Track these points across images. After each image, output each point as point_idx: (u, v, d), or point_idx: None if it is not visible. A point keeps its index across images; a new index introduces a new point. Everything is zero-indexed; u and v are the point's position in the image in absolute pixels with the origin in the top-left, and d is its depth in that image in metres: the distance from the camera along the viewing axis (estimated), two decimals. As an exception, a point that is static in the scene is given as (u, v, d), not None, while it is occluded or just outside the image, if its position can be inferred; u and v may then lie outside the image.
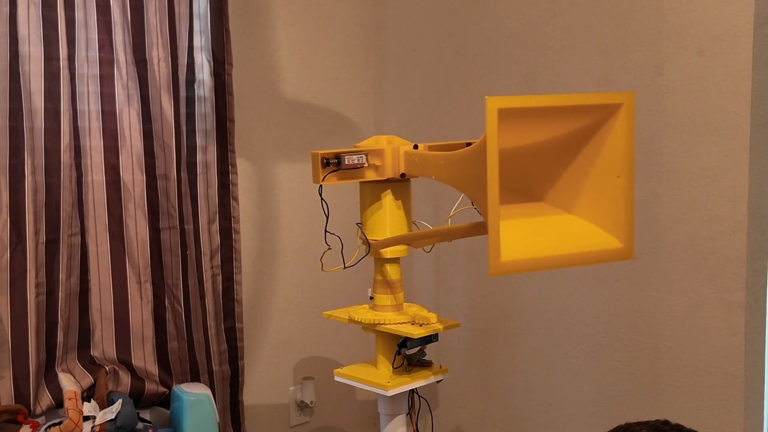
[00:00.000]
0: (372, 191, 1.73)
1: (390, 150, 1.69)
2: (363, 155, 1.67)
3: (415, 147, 1.70)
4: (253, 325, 2.38)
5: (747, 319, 1.83)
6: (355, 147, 1.72)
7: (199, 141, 2.14)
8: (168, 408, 2.08)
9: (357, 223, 1.75)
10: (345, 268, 1.78)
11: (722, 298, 1.86)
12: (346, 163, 1.65)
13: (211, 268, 2.18)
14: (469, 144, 1.78)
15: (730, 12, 1.79)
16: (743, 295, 1.83)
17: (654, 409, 2.00)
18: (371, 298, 1.79)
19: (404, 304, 1.79)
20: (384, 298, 1.76)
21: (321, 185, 1.68)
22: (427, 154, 1.65)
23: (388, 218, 1.72)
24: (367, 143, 1.73)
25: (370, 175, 1.69)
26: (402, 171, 1.69)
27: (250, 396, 2.36)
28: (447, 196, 2.42)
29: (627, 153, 1.35)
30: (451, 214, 1.71)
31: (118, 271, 2.07)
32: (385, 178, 1.70)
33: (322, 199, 1.72)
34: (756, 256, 1.83)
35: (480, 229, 1.37)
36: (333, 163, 1.65)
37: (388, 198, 1.72)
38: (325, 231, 1.76)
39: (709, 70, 1.84)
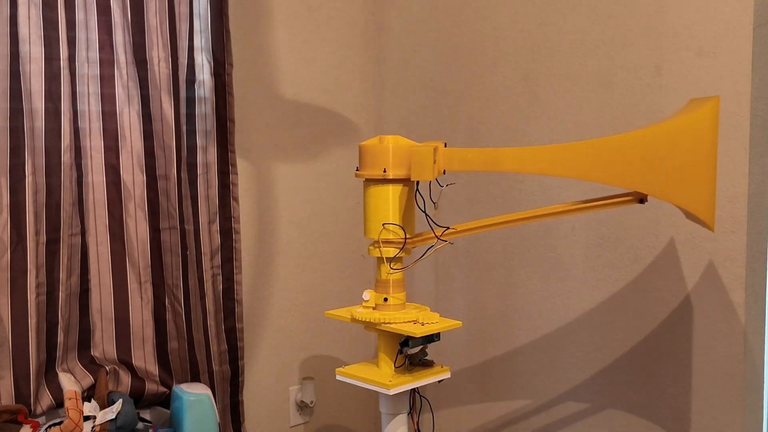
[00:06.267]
0: (409, 188, 1.74)
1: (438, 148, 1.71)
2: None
3: (445, 145, 1.73)
4: (253, 325, 2.38)
5: (747, 319, 1.84)
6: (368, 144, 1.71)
7: (200, 141, 2.14)
8: (168, 408, 2.08)
9: (384, 224, 1.73)
10: (403, 268, 1.78)
11: (722, 298, 1.86)
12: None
13: (212, 268, 2.18)
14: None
15: (730, 12, 1.80)
16: (743, 295, 1.83)
17: (654, 410, 2.00)
18: (385, 300, 1.78)
19: (406, 303, 1.79)
20: (382, 297, 1.76)
21: (418, 182, 1.69)
22: (504, 150, 1.75)
23: (415, 213, 1.76)
24: (372, 142, 1.74)
25: None
26: (443, 167, 1.71)
27: (250, 396, 2.36)
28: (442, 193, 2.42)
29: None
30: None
31: (118, 271, 2.07)
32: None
33: (418, 192, 1.72)
34: (756, 256, 1.84)
35: (632, 199, 1.68)
36: None
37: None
38: (431, 225, 1.74)
39: (709, 70, 1.84)
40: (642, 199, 1.67)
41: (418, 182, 1.70)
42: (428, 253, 1.75)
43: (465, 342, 2.42)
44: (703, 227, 1.86)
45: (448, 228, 1.73)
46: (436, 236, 1.72)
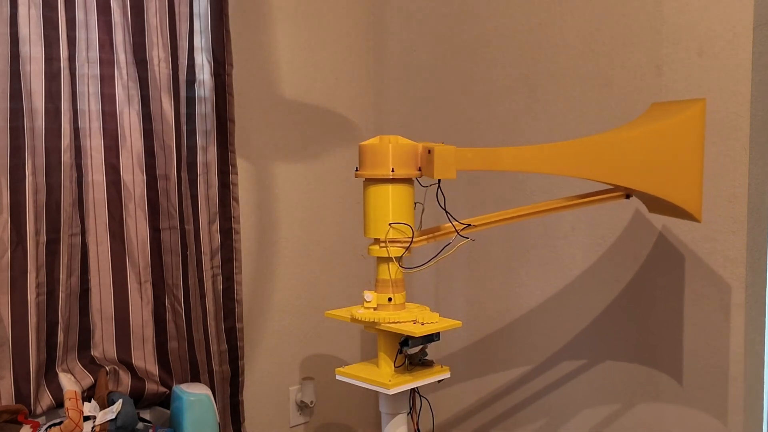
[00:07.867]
0: (409, 188, 1.74)
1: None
2: None
3: None
4: (253, 325, 2.38)
5: (747, 319, 1.84)
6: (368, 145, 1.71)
7: (200, 141, 2.15)
8: (168, 408, 2.08)
9: (390, 223, 1.73)
10: (421, 266, 1.78)
11: (722, 298, 1.86)
12: None
13: (212, 268, 2.18)
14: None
15: (730, 12, 1.80)
16: (743, 295, 1.83)
17: (654, 409, 2.01)
18: (389, 300, 1.77)
19: (406, 303, 1.79)
20: (385, 298, 1.76)
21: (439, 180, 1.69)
22: (504, 149, 1.79)
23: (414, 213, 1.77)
24: (372, 142, 1.73)
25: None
26: None
27: (250, 396, 2.36)
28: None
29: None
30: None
31: (118, 271, 2.07)
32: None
33: (439, 190, 1.72)
34: (756, 256, 1.84)
35: (620, 194, 1.79)
36: None
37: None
38: (452, 222, 1.73)
39: (709, 70, 1.84)
40: (628, 195, 1.79)
41: (439, 181, 1.70)
42: (446, 250, 1.75)
43: (465, 342, 2.42)
44: (703, 228, 1.86)
45: (469, 225, 1.73)
46: (457, 232, 1.72)
